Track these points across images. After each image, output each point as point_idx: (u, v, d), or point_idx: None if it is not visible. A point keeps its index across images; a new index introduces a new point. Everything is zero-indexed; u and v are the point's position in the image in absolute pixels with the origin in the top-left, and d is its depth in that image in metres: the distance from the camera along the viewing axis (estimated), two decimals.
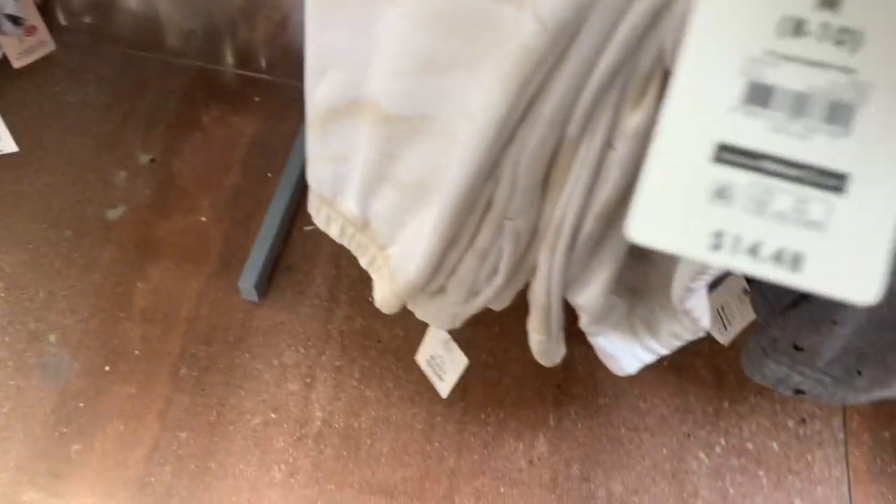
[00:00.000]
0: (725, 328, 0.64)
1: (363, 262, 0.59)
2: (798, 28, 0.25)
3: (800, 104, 0.26)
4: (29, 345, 0.89)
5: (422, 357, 0.84)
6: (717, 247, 0.26)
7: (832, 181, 0.26)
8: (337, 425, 0.88)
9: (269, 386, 0.89)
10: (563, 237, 0.43)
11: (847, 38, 0.25)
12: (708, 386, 0.93)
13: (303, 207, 1.01)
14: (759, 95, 0.26)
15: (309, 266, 0.97)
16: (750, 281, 0.60)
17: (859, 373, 0.53)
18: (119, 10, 1.15)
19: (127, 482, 0.84)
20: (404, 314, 0.94)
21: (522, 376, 0.93)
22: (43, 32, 0.65)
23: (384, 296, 0.56)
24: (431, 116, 0.44)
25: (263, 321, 0.93)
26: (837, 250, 0.25)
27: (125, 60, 1.10)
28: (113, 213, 0.98)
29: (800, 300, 0.52)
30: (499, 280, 0.50)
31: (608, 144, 0.38)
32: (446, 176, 0.43)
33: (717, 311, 0.64)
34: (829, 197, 0.26)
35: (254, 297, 0.92)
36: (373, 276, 0.59)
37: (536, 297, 0.50)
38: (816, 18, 0.25)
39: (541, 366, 0.92)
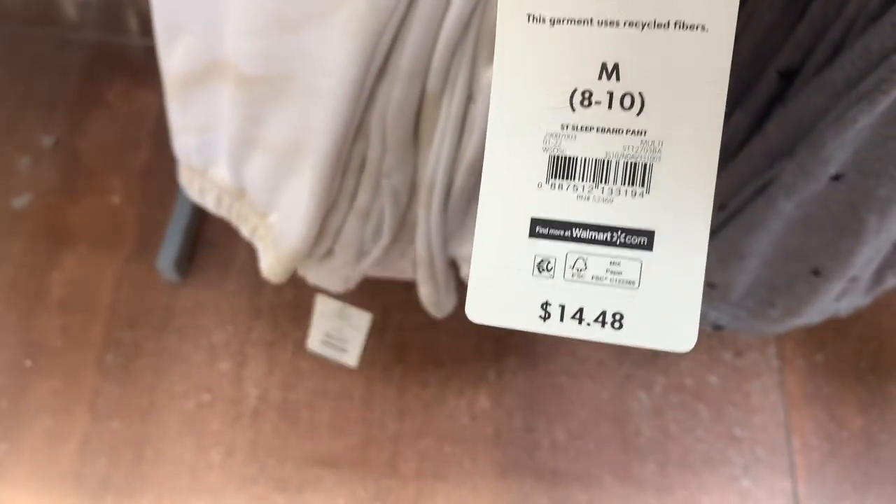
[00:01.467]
0: None
1: (245, 233, 0.58)
2: (587, 99, 0.27)
3: (600, 171, 0.27)
4: None
5: (314, 342, 0.83)
6: (546, 317, 0.28)
7: (639, 239, 0.27)
8: (273, 400, 0.86)
9: (200, 367, 0.87)
10: (436, 192, 0.42)
11: (631, 102, 0.27)
12: None
13: None
14: (563, 168, 0.27)
15: (232, 241, 0.94)
16: None
17: (772, 304, 0.53)
18: None
19: (61, 477, 0.81)
20: None
21: (460, 333, 0.92)
22: None
23: (270, 265, 0.54)
24: (291, 76, 0.42)
25: (188, 301, 0.90)
26: (652, 304, 0.27)
27: (17, 38, 1.04)
28: (19, 202, 0.93)
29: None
30: (385, 239, 0.49)
31: (469, 98, 0.37)
32: (315, 137, 0.41)
33: None
34: (639, 254, 0.27)
35: (174, 276, 0.89)
36: (257, 245, 0.57)
37: (419, 252, 0.48)
38: (602, 88, 0.27)
39: (477, 325, 0.92)
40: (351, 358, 0.81)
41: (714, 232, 0.51)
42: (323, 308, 0.76)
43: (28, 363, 0.86)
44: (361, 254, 0.51)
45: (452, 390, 0.89)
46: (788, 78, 0.50)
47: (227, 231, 0.94)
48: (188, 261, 0.91)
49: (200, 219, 0.94)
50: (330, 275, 0.54)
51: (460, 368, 0.90)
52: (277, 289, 0.92)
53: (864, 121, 0.44)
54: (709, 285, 0.54)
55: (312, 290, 0.92)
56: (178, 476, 0.82)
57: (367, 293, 0.92)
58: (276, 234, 0.52)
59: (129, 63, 1.03)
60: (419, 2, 0.33)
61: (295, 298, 0.92)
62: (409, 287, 0.92)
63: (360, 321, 0.73)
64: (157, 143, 0.98)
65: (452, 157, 0.40)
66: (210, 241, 0.94)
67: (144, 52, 1.05)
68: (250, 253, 0.94)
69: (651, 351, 0.92)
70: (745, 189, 0.49)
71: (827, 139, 0.45)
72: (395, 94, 0.38)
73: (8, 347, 0.86)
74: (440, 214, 0.44)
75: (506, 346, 0.92)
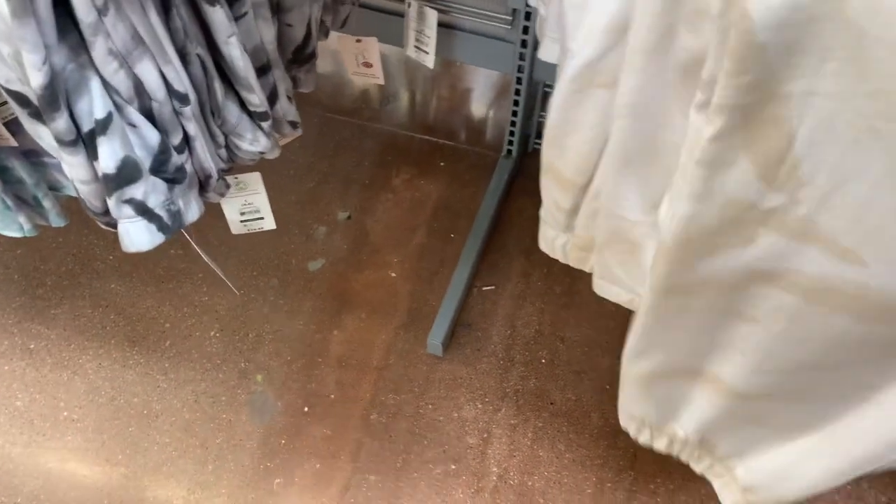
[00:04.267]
0: None
1: (697, 469, 0.63)
2: None
3: None
4: (239, 382, 1.00)
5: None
6: None
7: None
8: (512, 482, 0.93)
9: (450, 438, 0.96)
10: None
11: None
12: None
13: (482, 268, 1.08)
14: None
15: (486, 324, 1.04)
16: None
17: None
18: (318, 76, 1.27)
19: None
20: (576, 379, 0.99)
21: None
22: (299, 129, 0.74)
23: (736, 502, 0.60)
24: (803, 392, 0.47)
25: (445, 374, 1.00)
26: None
27: (325, 123, 1.21)
28: (313, 265, 1.08)
29: None
30: None
31: None
32: (839, 425, 0.47)
33: None
34: None
35: (438, 351, 1.00)
36: (712, 480, 0.62)
37: None
38: None
39: None
40: None
41: None
42: None
43: (306, 409, 0.98)
44: None
45: None
46: None
47: (483, 315, 1.05)
48: (450, 338, 1.02)
49: (464, 302, 1.04)
50: None
51: (689, 485, 0.93)
52: (523, 376, 1.00)
53: None
54: None
55: (555, 384, 0.99)
56: None
57: (609, 393, 0.99)
58: (752, 482, 0.57)
59: (414, 155, 1.18)
60: None
61: (537, 388, 0.99)
62: None
63: None
64: (432, 229, 1.10)
65: None
66: (468, 323, 1.04)
67: (426, 146, 1.19)
68: (502, 338, 1.03)
69: None
70: None
71: None
72: None
73: (291, 392, 0.99)
74: None
75: None
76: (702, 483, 0.93)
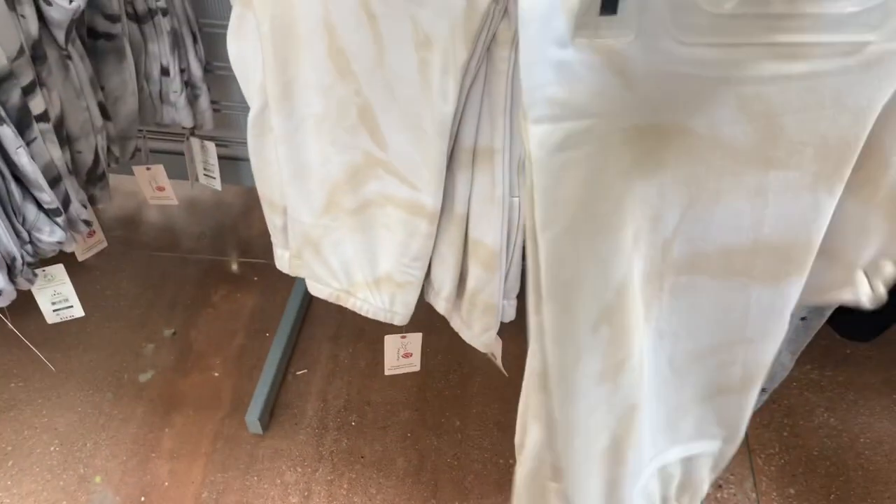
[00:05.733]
0: None
1: None
2: None
3: None
4: (79, 486, 1.10)
5: None
6: None
7: None
8: None
9: (275, 500, 1.09)
10: None
11: None
12: None
13: (295, 355, 1.26)
14: None
15: (302, 402, 1.20)
16: None
17: None
18: (143, 222, 1.47)
19: None
20: (382, 433, 1.16)
21: (483, 473, 1.13)
22: (100, 234, 0.93)
23: None
24: None
25: (267, 449, 1.14)
26: None
27: (149, 260, 1.40)
28: (144, 377, 1.22)
29: None
30: None
31: None
32: None
33: None
34: None
35: (258, 429, 1.14)
36: None
37: None
38: None
39: (498, 465, 1.14)
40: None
41: None
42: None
43: (143, 498, 1.09)
44: None
45: None
46: None
47: (298, 395, 1.21)
48: (269, 418, 1.17)
49: (280, 386, 1.21)
50: None
51: (484, 501, 1.10)
52: (336, 439, 1.16)
53: None
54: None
55: (364, 440, 1.15)
56: None
57: (411, 439, 1.15)
58: None
59: (230, 275, 1.38)
60: None
61: (349, 447, 1.15)
62: (441, 434, 1.15)
63: None
64: (249, 331, 1.28)
65: None
66: (285, 404, 1.20)
67: (241, 266, 1.39)
68: (316, 412, 1.19)
69: None
70: None
71: None
72: None
73: (128, 486, 1.10)
74: None
75: None
76: (494, 499, 1.10)
